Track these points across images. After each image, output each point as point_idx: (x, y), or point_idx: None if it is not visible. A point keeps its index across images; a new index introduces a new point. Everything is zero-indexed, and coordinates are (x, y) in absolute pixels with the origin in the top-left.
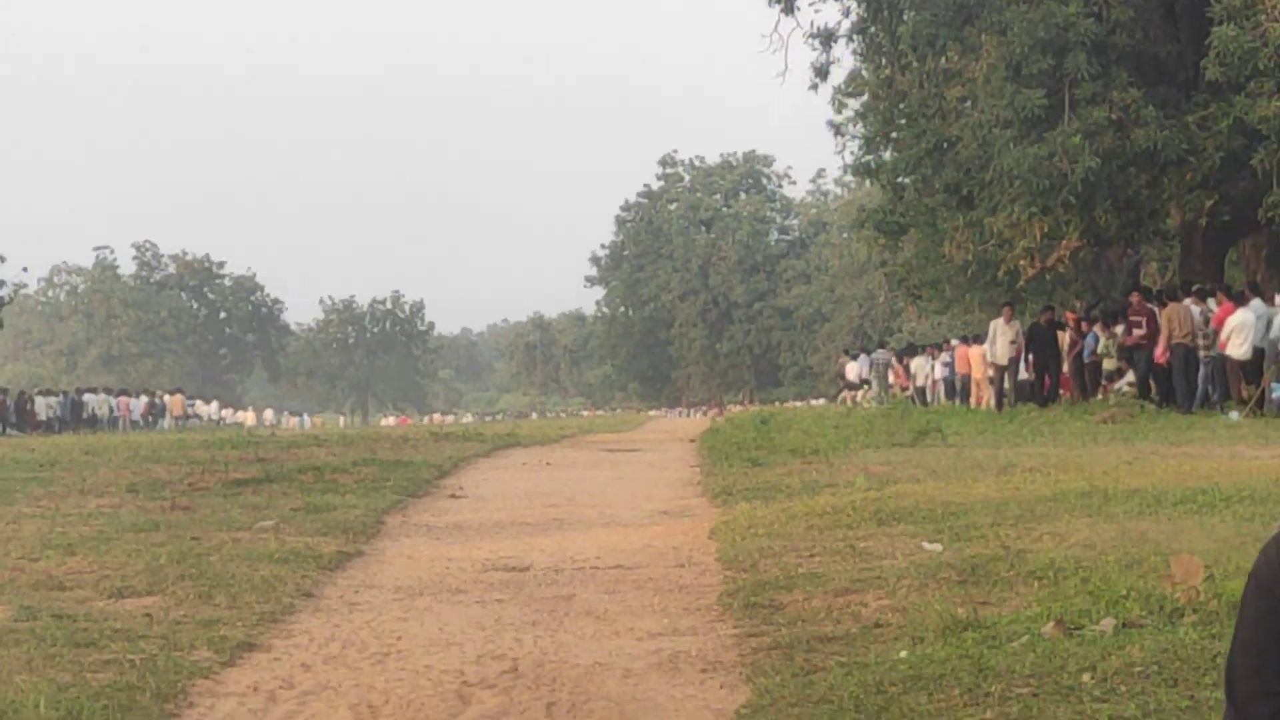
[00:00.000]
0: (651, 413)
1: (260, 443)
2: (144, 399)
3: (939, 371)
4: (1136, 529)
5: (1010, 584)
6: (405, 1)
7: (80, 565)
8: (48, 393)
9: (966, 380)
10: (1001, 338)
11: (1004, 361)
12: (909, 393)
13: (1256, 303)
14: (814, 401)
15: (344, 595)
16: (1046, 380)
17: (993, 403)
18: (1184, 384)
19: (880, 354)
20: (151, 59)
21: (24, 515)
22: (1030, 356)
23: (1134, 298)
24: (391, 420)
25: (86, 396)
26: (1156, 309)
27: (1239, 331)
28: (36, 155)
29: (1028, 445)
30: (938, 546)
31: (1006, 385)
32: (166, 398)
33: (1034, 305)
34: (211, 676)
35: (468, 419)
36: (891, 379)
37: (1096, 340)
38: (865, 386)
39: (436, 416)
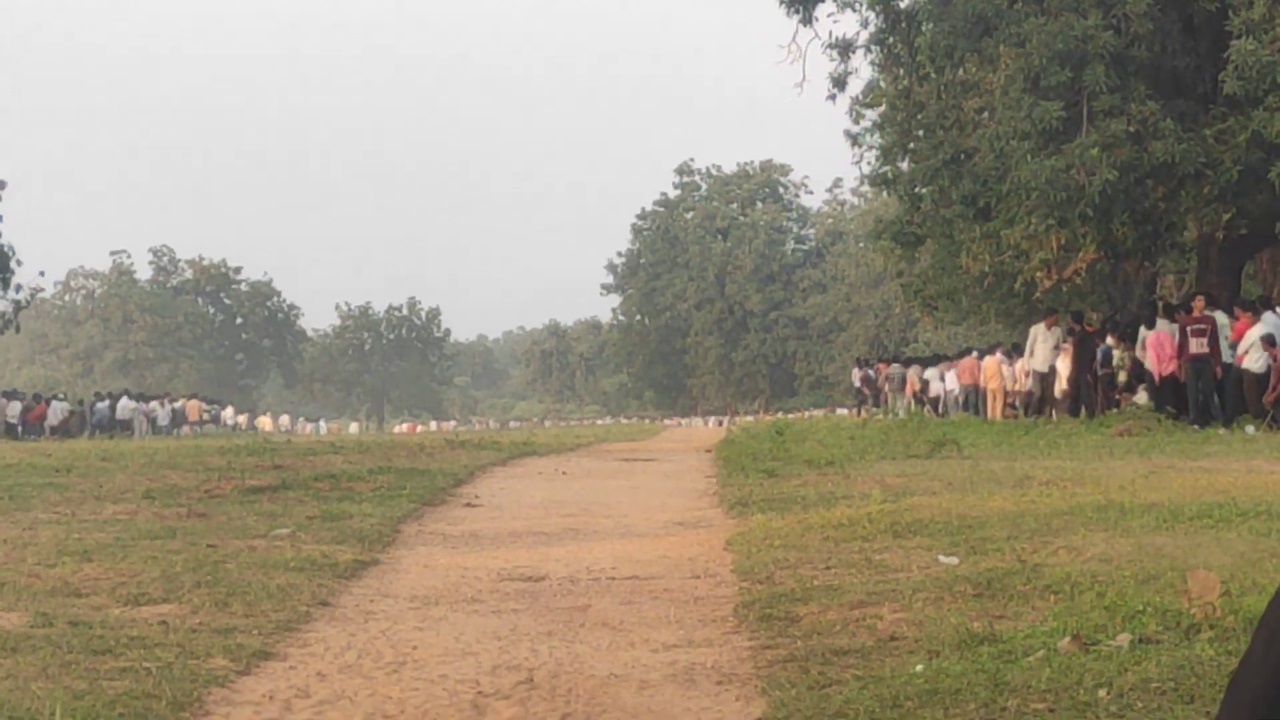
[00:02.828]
0: (667, 421)
1: (276, 450)
2: (169, 405)
3: (948, 384)
4: (1153, 544)
5: (1026, 598)
6: (427, 18)
7: (96, 572)
8: (55, 397)
9: (972, 391)
10: (1042, 345)
11: (1044, 369)
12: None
13: (1269, 316)
14: (839, 411)
15: (360, 604)
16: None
17: (1027, 409)
18: (1210, 398)
19: (895, 367)
20: (168, 63)
21: (40, 521)
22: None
23: (1197, 303)
24: (403, 427)
25: (123, 402)
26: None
27: (1258, 345)
28: (52, 159)
29: (1044, 458)
30: (954, 560)
31: (1047, 392)
32: (182, 403)
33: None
34: (227, 685)
35: (476, 426)
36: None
37: (1109, 353)
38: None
39: (447, 424)
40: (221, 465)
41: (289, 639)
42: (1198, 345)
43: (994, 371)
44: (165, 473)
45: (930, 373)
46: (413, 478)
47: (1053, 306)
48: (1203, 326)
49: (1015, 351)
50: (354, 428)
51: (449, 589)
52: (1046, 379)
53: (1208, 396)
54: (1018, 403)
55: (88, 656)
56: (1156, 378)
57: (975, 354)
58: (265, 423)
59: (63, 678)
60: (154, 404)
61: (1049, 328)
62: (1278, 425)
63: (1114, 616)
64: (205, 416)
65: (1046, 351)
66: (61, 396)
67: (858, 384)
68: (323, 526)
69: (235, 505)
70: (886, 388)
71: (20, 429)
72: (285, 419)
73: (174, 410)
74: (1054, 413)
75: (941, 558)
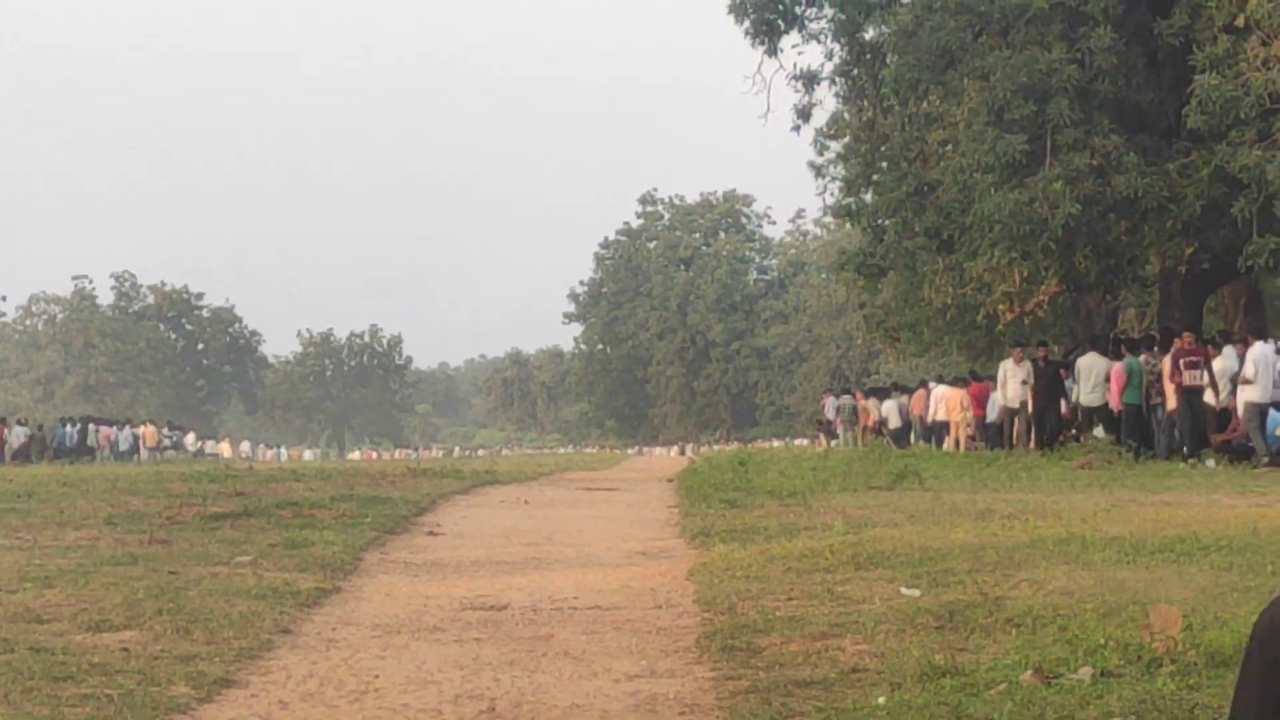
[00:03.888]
0: (629, 450)
1: (238, 477)
2: (131, 430)
3: (891, 415)
4: (1114, 577)
5: (988, 631)
6: (390, 47)
7: (58, 598)
8: (17, 421)
9: (919, 422)
10: (1012, 380)
11: (1015, 404)
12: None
13: (1229, 350)
14: (799, 441)
15: (322, 632)
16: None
17: (1021, 443)
18: (1190, 430)
19: (846, 399)
20: (132, 85)
21: (1, 547)
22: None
23: (1186, 338)
24: (357, 455)
25: (92, 428)
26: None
27: (1219, 379)
28: (15, 183)
29: (1005, 491)
30: (916, 592)
31: (1018, 427)
32: (141, 429)
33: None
34: (189, 713)
35: (434, 453)
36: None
37: (1071, 387)
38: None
39: (400, 453)
40: (183, 492)
41: (251, 666)
42: (1192, 377)
43: (955, 404)
44: (127, 499)
45: (888, 405)
46: (374, 505)
47: (1019, 340)
48: (1196, 359)
49: (973, 379)
50: (309, 455)
51: (411, 617)
52: (1018, 414)
53: (1199, 428)
54: (977, 435)
55: (49, 683)
56: (1115, 410)
57: (934, 384)
58: (225, 449)
59: (24, 704)
60: (112, 429)
61: (1017, 362)
62: (1237, 460)
63: (1076, 650)
64: (166, 442)
65: (1016, 386)
66: (22, 421)
67: (831, 415)
68: (285, 554)
69: (197, 532)
70: (838, 419)
71: None
72: (245, 445)
73: (135, 435)
74: (1018, 446)
75: (904, 590)
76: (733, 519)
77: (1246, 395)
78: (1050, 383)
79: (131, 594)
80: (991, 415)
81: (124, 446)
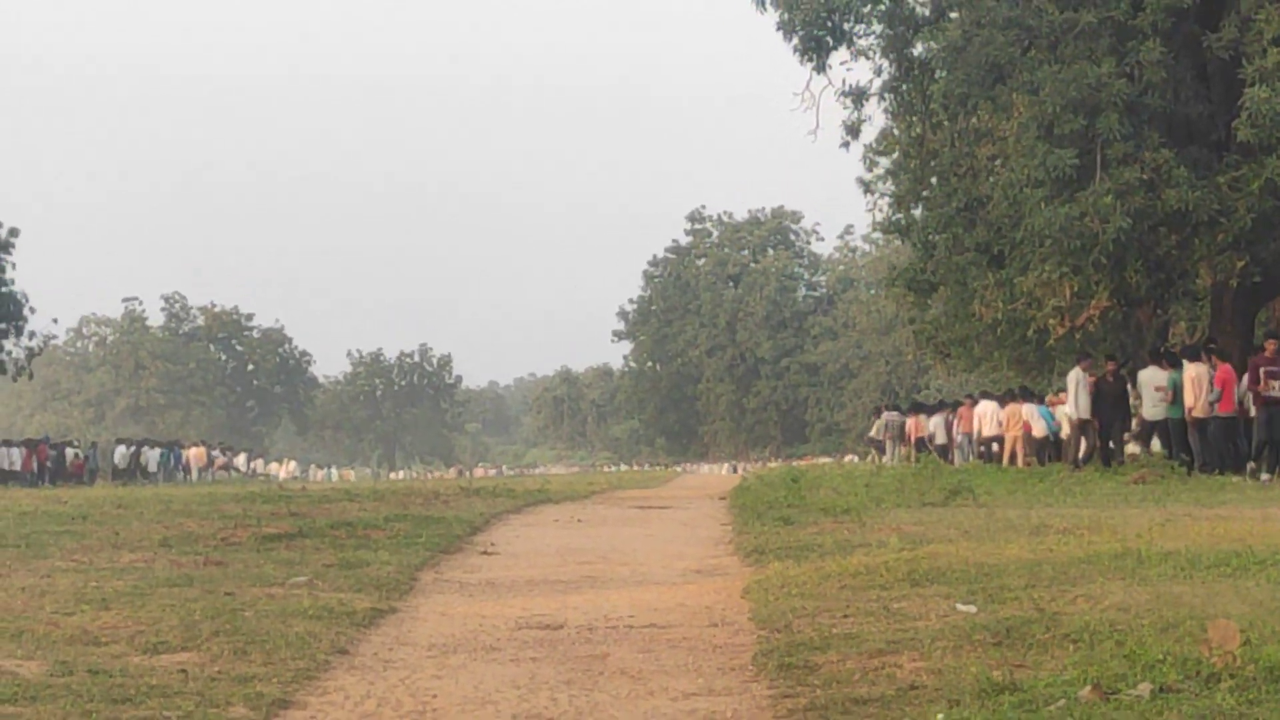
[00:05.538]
0: (678, 468)
1: (291, 497)
2: (188, 450)
3: (940, 433)
4: (1171, 592)
5: (1045, 647)
6: (437, 61)
7: (114, 620)
8: (68, 444)
9: (966, 440)
10: (1084, 391)
11: (1088, 416)
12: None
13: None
14: (847, 458)
15: (378, 652)
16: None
17: (1079, 457)
18: (1267, 442)
19: (893, 415)
20: (183, 109)
21: (58, 569)
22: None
23: (1269, 346)
24: (399, 475)
25: (145, 450)
26: None
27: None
28: (66, 206)
29: (1059, 506)
30: (972, 608)
31: (1078, 441)
32: (189, 450)
33: (1063, 365)
34: None
35: (472, 473)
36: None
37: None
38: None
39: (447, 473)
40: (237, 513)
41: (308, 687)
42: (1275, 388)
43: (1016, 419)
44: (181, 521)
45: (935, 420)
46: (429, 525)
47: (1086, 352)
48: (1277, 368)
49: (1022, 395)
50: (351, 475)
51: (467, 637)
52: (1088, 426)
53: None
54: (1028, 450)
55: (108, 705)
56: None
57: (981, 400)
58: (277, 468)
59: None
60: (157, 450)
61: (1085, 371)
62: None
63: (1134, 665)
64: (219, 461)
65: (1088, 398)
66: (73, 443)
67: (880, 432)
68: (340, 574)
69: (252, 553)
70: (886, 435)
71: (38, 475)
72: (293, 465)
73: (181, 456)
74: (1070, 461)
75: (960, 606)
76: (787, 536)
77: None
78: (1118, 398)
79: (188, 615)
80: (1040, 430)
81: (153, 468)
